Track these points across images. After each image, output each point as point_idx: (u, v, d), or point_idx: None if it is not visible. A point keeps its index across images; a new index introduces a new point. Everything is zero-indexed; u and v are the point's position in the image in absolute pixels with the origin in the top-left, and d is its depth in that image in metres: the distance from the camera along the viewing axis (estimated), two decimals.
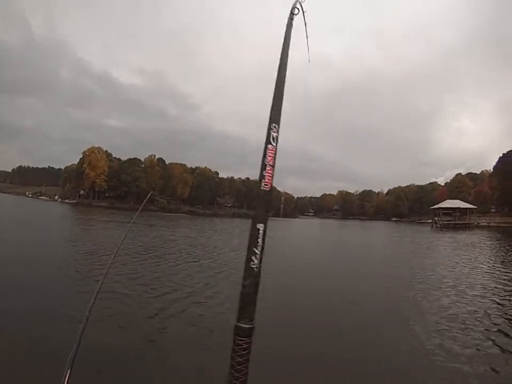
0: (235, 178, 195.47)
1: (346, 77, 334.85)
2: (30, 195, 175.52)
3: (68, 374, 2.01)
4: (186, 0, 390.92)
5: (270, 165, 2.19)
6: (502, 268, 22.93)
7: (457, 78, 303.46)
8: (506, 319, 11.80)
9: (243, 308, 2.12)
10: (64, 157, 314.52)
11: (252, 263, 2.08)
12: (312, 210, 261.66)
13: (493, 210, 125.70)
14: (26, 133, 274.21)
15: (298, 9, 2.59)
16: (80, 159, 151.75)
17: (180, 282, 14.83)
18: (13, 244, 22.49)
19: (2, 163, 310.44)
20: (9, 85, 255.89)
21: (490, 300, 14.38)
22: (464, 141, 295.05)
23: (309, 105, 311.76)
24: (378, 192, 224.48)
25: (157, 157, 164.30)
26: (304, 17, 3.16)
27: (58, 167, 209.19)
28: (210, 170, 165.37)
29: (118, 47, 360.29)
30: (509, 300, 14.32)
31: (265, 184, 2.17)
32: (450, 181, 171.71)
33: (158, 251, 22.84)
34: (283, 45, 2.52)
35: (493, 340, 9.69)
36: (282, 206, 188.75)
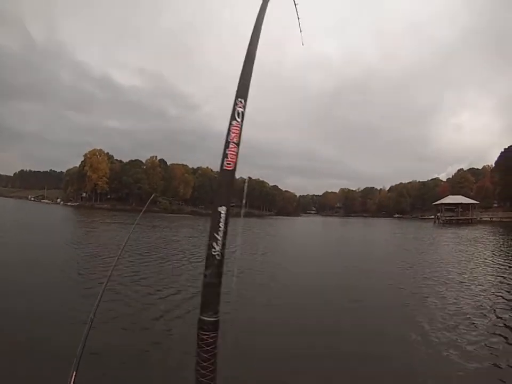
0: (237, 177, 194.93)
1: (345, 75, 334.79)
2: (32, 199, 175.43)
3: (73, 375, 1.97)
4: (186, 0, 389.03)
5: (234, 143, 2.08)
6: (506, 262, 22.86)
7: (456, 75, 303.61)
8: None
9: (206, 300, 2.00)
10: (66, 160, 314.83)
11: (213, 250, 1.95)
12: (314, 209, 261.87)
13: (495, 205, 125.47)
14: (27, 137, 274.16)
15: None
16: (82, 161, 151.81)
17: (184, 283, 14.79)
18: (15, 247, 22.50)
19: (4, 167, 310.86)
20: (9, 90, 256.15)
21: (496, 295, 14.34)
22: (465, 137, 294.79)
23: (309, 105, 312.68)
24: (380, 189, 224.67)
25: (158, 158, 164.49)
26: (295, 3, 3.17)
27: (60, 170, 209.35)
28: (211, 170, 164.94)
29: (117, 48, 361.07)
30: None
31: (227, 164, 2.05)
32: (452, 176, 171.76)
33: (162, 252, 22.82)
34: (256, 18, 2.49)
35: (500, 336, 9.66)
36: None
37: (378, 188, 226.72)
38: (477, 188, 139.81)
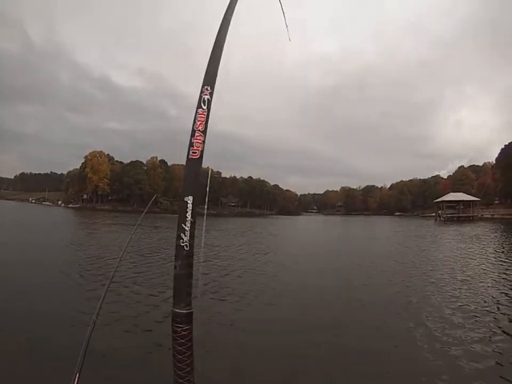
0: (237, 177, 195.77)
1: (344, 72, 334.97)
2: (33, 201, 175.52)
3: (77, 376, 1.95)
4: (186, 0, 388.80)
5: (200, 131, 2.07)
6: (508, 260, 22.80)
7: (456, 71, 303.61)
8: None
9: (178, 292, 1.99)
10: (66, 162, 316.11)
11: (181, 240, 1.94)
12: (315, 207, 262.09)
13: (496, 202, 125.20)
14: (27, 139, 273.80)
15: None
16: (82, 163, 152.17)
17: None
18: (16, 248, 22.56)
19: (5, 170, 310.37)
20: (9, 92, 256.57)
21: (500, 292, 14.28)
22: (465, 134, 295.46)
23: (308, 103, 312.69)
24: (381, 187, 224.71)
25: (159, 159, 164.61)
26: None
27: (60, 172, 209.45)
28: (212, 170, 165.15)
29: (117, 49, 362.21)
30: None
31: (193, 152, 2.04)
32: (453, 173, 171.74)
33: (164, 253, 22.73)
34: (227, 7, 2.56)
35: (504, 333, 9.63)
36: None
37: (379, 186, 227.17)
38: (478, 184, 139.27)
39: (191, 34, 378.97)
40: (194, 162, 2.04)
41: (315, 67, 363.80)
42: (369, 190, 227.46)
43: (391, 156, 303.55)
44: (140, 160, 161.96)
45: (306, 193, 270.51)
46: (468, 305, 12.22)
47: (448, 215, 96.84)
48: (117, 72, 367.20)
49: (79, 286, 13.73)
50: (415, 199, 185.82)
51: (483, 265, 20.61)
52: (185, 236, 1.93)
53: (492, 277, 17.11)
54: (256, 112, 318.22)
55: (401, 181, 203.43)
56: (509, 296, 13.51)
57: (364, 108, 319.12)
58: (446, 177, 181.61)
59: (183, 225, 1.94)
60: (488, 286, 15.18)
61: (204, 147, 2.06)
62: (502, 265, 20.82)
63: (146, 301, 12.01)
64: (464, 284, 15.57)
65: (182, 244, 1.93)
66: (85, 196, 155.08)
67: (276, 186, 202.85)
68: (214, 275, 16.62)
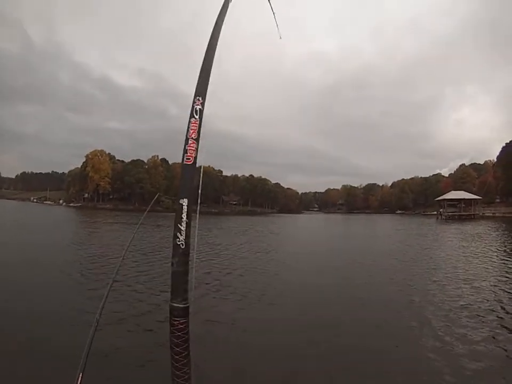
0: (239, 176, 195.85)
1: (344, 71, 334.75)
2: (34, 200, 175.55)
3: (80, 376, 1.99)
4: (186, 0, 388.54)
5: (193, 139, 2.22)
6: (510, 258, 22.83)
7: (456, 70, 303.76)
8: None
9: (175, 287, 2.14)
10: (67, 161, 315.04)
11: (178, 240, 2.08)
12: (316, 206, 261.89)
13: (498, 200, 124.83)
14: (27, 139, 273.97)
15: None
16: (83, 162, 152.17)
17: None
18: (17, 247, 22.59)
19: (6, 170, 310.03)
20: (9, 92, 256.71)
21: (503, 290, 14.31)
22: (466, 132, 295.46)
23: (309, 102, 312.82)
24: (382, 185, 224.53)
25: (160, 158, 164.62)
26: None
27: (61, 172, 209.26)
28: (213, 168, 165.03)
29: (117, 49, 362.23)
30: None
31: (187, 158, 2.19)
32: (454, 172, 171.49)
33: (165, 252, 22.70)
34: (217, 19, 2.69)
35: (509, 331, 9.66)
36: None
37: (380, 184, 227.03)
38: (479, 183, 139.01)
39: (191, 34, 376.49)
40: (188, 168, 2.19)
41: (315, 66, 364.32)
42: (371, 188, 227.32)
43: (392, 154, 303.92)
44: (141, 159, 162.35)
45: (308, 191, 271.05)
46: (471, 304, 12.22)
47: (450, 214, 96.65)
48: (117, 72, 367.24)
49: (80, 285, 13.75)
50: (416, 198, 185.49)
51: (485, 264, 20.60)
52: (181, 235, 2.07)
53: (494, 276, 17.11)
54: (256, 111, 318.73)
55: (403, 179, 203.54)
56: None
57: (364, 106, 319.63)
58: (447, 175, 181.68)
59: (179, 225, 2.10)
60: (491, 285, 15.17)
61: (197, 153, 2.20)
62: (504, 264, 20.83)
63: (148, 300, 12.02)
64: (466, 283, 15.55)
65: (178, 243, 2.07)
66: (86, 195, 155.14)
67: (277, 184, 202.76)
68: (216, 274, 16.67)
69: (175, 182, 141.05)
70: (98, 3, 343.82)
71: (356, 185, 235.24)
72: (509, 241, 34.81)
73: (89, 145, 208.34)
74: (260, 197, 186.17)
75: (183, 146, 2.24)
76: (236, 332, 9.64)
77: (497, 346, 8.55)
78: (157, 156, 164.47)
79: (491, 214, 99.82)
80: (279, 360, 7.80)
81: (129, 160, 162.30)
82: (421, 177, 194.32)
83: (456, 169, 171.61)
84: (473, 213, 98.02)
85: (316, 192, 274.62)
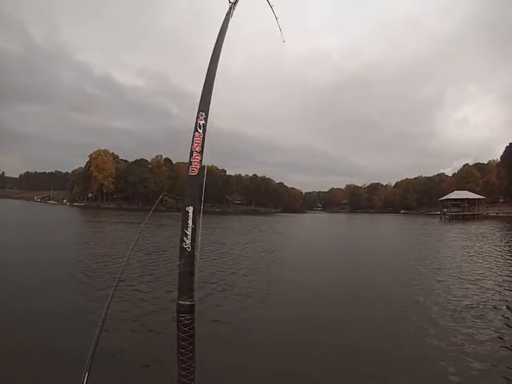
0: (242, 175, 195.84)
1: (346, 70, 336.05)
2: (38, 200, 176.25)
3: (86, 376, 2.04)
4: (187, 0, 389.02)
5: (197, 152, 2.38)
6: None
7: (458, 69, 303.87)
8: None
9: (182, 286, 2.29)
10: (71, 161, 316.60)
11: (184, 243, 2.25)
12: (320, 205, 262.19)
13: (501, 200, 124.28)
14: (30, 139, 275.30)
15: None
16: (87, 162, 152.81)
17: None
18: (21, 248, 22.63)
19: (9, 169, 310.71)
20: (11, 92, 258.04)
21: (508, 289, 14.29)
22: (470, 131, 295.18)
23: (311, 101, 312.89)
24: (386, 185, 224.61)
25: (163, 157, 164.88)
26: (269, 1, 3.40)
27: (65, 171, 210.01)
28: (217, 168, 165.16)
29: (119, 49, 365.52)
30: None
31: (192, 170, 2.36)
32: (458, 171, 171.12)
33: (170, 251, 22.68)
34: (218, 37, 2.84)
35: None
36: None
37: (384, 184, 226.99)
38: (483, 182, 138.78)
39: (192, 33, 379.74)
40: (193, 179, 2.35)
41: (317, 65, 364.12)
42: (374, 187, 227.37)
43: (395, 154, 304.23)
44: (144, 158, 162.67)
45: (311, 191, 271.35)
46: (476, 304, 12.19)
47: (453, 213, 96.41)
48: (119, 71, 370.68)
49: (84, 285, 13.76)
50: (420, 197, 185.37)
51: (490, 264, 20.54)
52: (187, 239, 2.24)
53: (499, 276, 17.05)
54: (259, 111, 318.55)
55: (406, 178, 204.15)
56: None
57: (366, 105, 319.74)
58: (451, 175, 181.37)
59: (185, 230, 2.25)
60: (496, 285, 15.13)
61: (201, 165, 2.35)
62: (509, 263, 20.78)
63: (153, 300, 12.02)
64: (471, 283, 15.51)
65: (185, 246, 2.24)
66: (90, 195, 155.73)
67: (281, 184, 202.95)
68: (221, 273, 16.68)
69: (179, 182, 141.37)
70: (100, 3, 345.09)
71: (359, 185, 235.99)
72: None
73: (93, 145, 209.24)
74: (264, 197, 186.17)
75: (188, 159, 2.39)
76: (239, 331, 9.65)
77: (502, 346, 8.52)
78: (161, 156, 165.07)
79: (495, 214, 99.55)
80: (281, 359, 7.83)
81: (133, 159, 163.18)
82: (424, 177, 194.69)
83: (460, 168, 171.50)
84: (476, 212, 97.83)
85: (319, 191, 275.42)
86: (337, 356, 8.17)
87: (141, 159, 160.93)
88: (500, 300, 12.81)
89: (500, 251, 26.37)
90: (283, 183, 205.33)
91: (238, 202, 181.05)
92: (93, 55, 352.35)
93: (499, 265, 20.00)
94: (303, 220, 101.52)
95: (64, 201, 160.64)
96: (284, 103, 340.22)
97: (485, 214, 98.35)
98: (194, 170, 2.35)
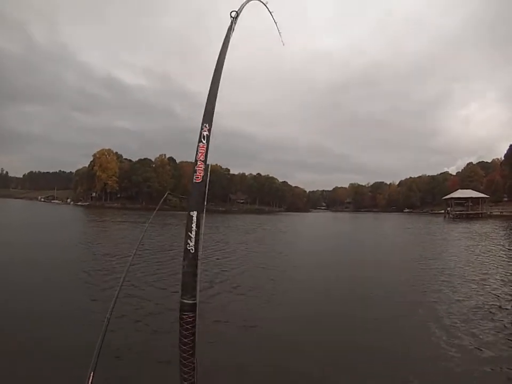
0: (246, 174, 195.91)
1: (352, 69, 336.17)
2: (42, 199, 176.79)
3: (91, 375, 2.09)
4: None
5: (201, 160, 2.49)
6: None
7: (463, 67, 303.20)
8: None
9: (185, 286, 2.38)
10: (75, 161, 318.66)
11: (188, 245, 2.36)
12: (324, 204, 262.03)
13: (505, 199, 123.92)
14: (35, 139, 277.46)
15: (237, 12, 3.03)
16: (91, 161, 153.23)
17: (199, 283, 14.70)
18: (25, 247, 22.75)
19: (13, 169, 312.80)
20: (15, 93, 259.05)
21: None
22: (474, 130, 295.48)
23: (317, 100, 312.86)
24: (390, 183, 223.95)
25: (167, 156, 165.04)
26: (268, 9, 3.52)
27: (69, 171, 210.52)
28: (221, 167, 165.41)
29: (123, 48, 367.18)
30: None
31: (196, 177, 2.47)
32: (462, 170, 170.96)
33: (174, 251, 22.67)
34: (220, 51, 2.90)
35: None
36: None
37: (388, 183, 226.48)
38: (487, 181, 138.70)
39: (196, 32, 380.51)
40: (197, 185, 2.46)
41: (322, 63, 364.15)
42: (378, 186, 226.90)
43: (399, 152, 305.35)
44: (148, 158, 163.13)
45: (315, 190, 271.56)
46: (481, 304, 12.19)
47: (457, 212, 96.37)
48: (122, 71, 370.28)
49: (87, 285, 13.78)
50: (424, 196, 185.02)
51: (494, 264, 20.53)
52: (191, 242, 2.34)
53: (505, 275, 17.02)
54: (264, 109, 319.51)
55: (410, 177, 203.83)
56: None
57: (370, 104, 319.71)
58: (454, 173, 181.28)
59: (189, 233, 2.35)
60: (501, 285, 15.11)
61: (204, 173, 2.48)
62: None
63: (157, 300, 12.04)
64: (476, 282, 15.49)
65: (189, 248, 2.34)
66: (93, 194, 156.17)
67: (285, 183, 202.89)
68: (225, 272, 16.76)
69: (183, 181, 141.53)
70: (101, 2, 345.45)
71: (363, 184, 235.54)
72: None
73: (96, 145, 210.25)
74: (268, 195, 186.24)
75: (193, 167, 2.51)
76: (243, 330, 9.66)
77: (510, 347, 8.50)
78: (164, 155, 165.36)
79: (499, 213, 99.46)
80: (284, 358, 7.85)
81: (137, 159, 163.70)
82: (428, 176, 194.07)
83: (464, 167, 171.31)
84: (480, 211, 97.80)
85: (323, 190, 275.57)
86: (341, 355, 8.19)
87: (145, 159, 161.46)
88: (505, 299, 12.78)
89: (505, 250, 26.35)
90: (287, 182, 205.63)
91: (241, 201, 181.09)
92: (96, 55, 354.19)
93: (504, 265, 19.96)
94: (307, 219, 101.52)
95: (68, 200, 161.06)
96: (287, 102, 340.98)
97: (488, 213, 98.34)
98: (198, 177, 2.47)
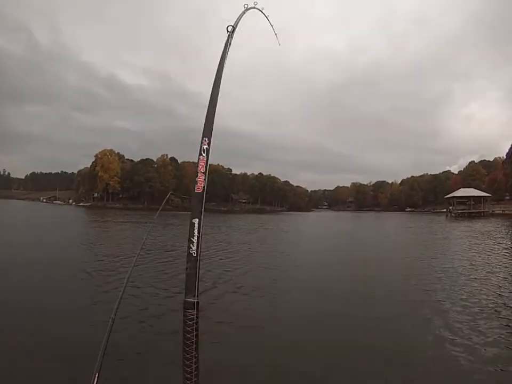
0: (248, 174, 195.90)
1: (353, 68, 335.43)
2: (44, 200, 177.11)
3: (96, 376, 2.15)
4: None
5: (202, 172, 2.63)
6: None
7: (463, 66, 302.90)
8: None
9: (188, 286, 2.49)
10: (76, 161, 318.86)
11: (191, 249, 2.48)
12: (326, 203, 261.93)
13: (507, 197, 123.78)
14: (36, 140, 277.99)
15: (233, 26, 3.12)
16: (93, 162, 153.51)
17: (202, 282, 14.71)
18: (28, 248, 22.86)
19: (15, 170, 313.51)
20: (16, 93, 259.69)
21: None
22: (475, 129, 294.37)
23: (318, 99, 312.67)
24: (392, 182, 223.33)
25: (169, 157, 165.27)
26: (264, 13, 3.60)
27: (71, 172, 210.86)
28: (223, 167, 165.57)
29: (124, 48, 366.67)
30: None
31: (197, 188, 2.61)
32: (464, 169, 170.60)
33: (177, 251, 22.69)
34: (218, 65, 2.95)
35: None
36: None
37: (390, 182, 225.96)
38: (489, 180, 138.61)
39: (196, 32, 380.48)
40: (198, 195, 2.59)
41: (323, 63, 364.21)
42: (380, 185, 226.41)
43: (400, 151, 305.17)
44: (150, 158, 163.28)
45: (317, 189, 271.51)
46: (485, 303, 12.19)
47: (459, 211, 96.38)
48: (124, 71, 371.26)
49: (90, 286, 13.79)
50: (426, 195, 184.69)
51: (497, 262, 20.56)
52: (193, 246, 2.48)
53: (508, 274, 17.00)
54: (265, 109, 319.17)
55: (412, 176, 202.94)
56: None
57: (372, 103, 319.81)
58: (456, 172, 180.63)
59: (192, 238, 2.49)
60: (504, 283, 15.09)
61: (205, 183, 2.61)
62: None
63: (161, 301, 12.07)
64: (478, 281, 15.50)
65: (191, 251, 2.47)
66: (95, 194, 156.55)
67: (287, 182, 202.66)
68: (228, 273, 16.75)
69: (184, 181, 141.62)
70: (102, 2, 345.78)
71: (365, 183, 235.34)
72: None
73: (97, 145, 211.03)
74: (269, 195, 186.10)
75: (195, 178, 2.62)
76: (245, 329, 9.67)
77: None
78: (166, 155, 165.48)
79: (501, 211, 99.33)
80: (286, 357, 7.87)
81: (138, 159, 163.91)
82: (430, 175, 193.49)
83: (466, 166, 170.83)
84: (482, 210, 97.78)
85: (325, 189, 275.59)
86: (343, 355, 8.19)
87: (147, 159, 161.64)
88: (509, 298, 12.78)
89: (507, 249, 26.39)
90: (289, 182, 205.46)
91: (243, 201, 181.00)
92: (97, 55, 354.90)
93: (507, 263, 19.99)
94: (309, 218, 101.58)
95: (70, 201, 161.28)
96: (287, 102, 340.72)
97: (490, 211, 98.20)
98: (199, 188, 2.61)
